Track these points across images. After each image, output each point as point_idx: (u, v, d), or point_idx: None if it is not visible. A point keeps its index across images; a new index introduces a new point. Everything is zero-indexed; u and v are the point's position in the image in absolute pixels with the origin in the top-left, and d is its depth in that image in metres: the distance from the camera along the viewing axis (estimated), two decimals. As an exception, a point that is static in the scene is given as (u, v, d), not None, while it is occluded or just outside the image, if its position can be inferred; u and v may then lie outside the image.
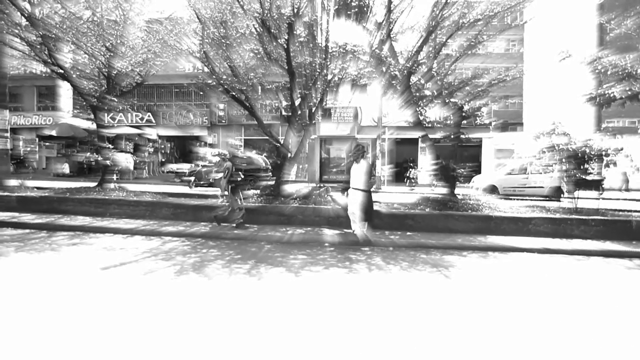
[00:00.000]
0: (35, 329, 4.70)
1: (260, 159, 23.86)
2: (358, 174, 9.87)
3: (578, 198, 13.16)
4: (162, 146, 31.48)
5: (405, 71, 12.71)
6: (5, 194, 14.22)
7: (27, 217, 12.11)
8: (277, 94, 14.99)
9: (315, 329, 4.88)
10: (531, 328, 5.06)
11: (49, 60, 14.86)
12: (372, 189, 10.20)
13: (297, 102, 13.73)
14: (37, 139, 31.64)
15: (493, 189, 20.23)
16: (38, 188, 16.13)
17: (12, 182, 16.17)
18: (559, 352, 4.43)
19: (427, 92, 13.20)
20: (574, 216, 11.23)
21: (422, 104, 13.04)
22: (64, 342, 4.37)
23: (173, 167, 28.06)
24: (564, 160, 12.60)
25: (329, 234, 10.66)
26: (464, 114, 13.28)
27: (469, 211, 11.84)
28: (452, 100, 12.99)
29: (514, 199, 17.33)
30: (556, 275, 7.71)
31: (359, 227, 9.94)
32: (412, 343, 4.55)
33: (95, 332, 4.63)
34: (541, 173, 18.30)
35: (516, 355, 4.34)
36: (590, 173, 12.61)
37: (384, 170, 28.83)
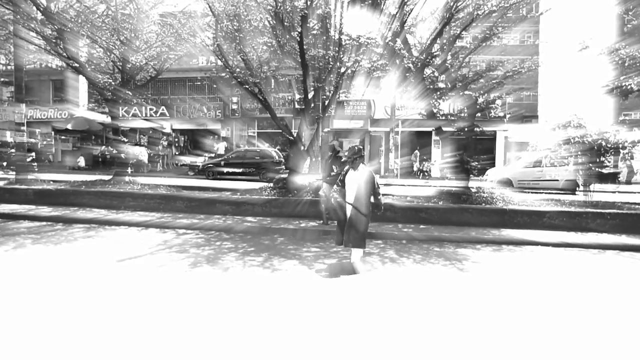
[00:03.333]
0: (53, 319, 4.78)
1: (272, 152, 23.94)
2: (356, 186, 7.02)
3: (594, 191, 13.02)
4: (176, 139, 31.65)
5: (419, 63, 12.63)
6: (22, 186, 14.42)
7: (44, 210, 12.27)
8: (290, 87, 14.99)
9: (327, 321, 4.90)
10: (544, 322, 5.04)
11: (64, 54, 14.98)
12: (380, 205, 7.30)
13: (310, 95, 13.72)
14: (52, 133, 32.00)
15: (507, 182, 20.06)
16: (54, 181, 16.32)
17: (29, 175, 16.37)
18: (571, 347, 4.41)
19: (441, 85, 13.10)
20: (589, 209, 11.11)
21: (436, 97, 12.95)
22: (82, 332, 4.45)
23: (186, 160, 28.21)
24: (579, 153, 12.47)
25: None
26: (478, 106, 13.18)
27: (483, 204, 11.78)
28: (466, 92, 12.89)
29: (529, 192, 17.18)
30: (570, 269, 7.66)
31: (355, 255, 7.15)
32: (424, 336, 4.56)
33: (112, 323, 4.70)
34: (556, 166, 18.11)
35: (528, 349, 4.33)
36: (607, 166, 12.47)
37: (397, 163, 28.75)
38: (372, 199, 7.20)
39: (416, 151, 28.97)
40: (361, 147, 7.48)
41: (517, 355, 4.18)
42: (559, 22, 53.96)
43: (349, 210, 7.12)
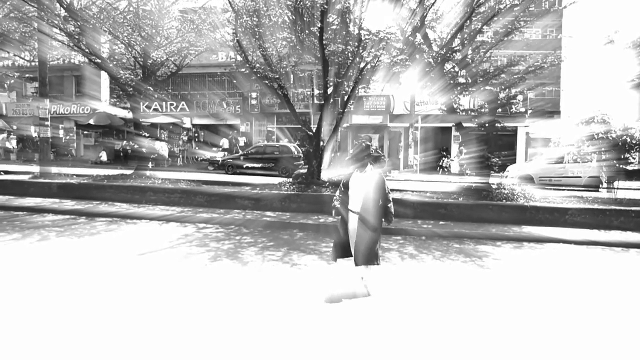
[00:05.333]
0: (77, 310, 4.87)
1: (292, 147, 23.99)
2: (363, 191, 5.68)
3: (618, 188, 12.80)
4: (196, 134, 31.91)
5: (440, 58, 12.53)
6: (46, 180, 14.68)
7: (67, 203, 12.48)
8: (310, 83, 14.98)
9: (346, 317, 4.91)
10: (567, 322, 4.99)
11: (87, 50, 15.19)
12: (389, 215, 5.82)
13: (329, 91, 13.71)
14: (75, 128, 32.48)
15: (528, 179, 19.81)
16: (77, 175, 16.58)
17: (53, 170, 16.65)
18: (592, 348, 4.36)
19: (462, 80, 12.98)
20: (612, 207, 10.93)
21: (456, 92, 12.83)
22: (107, 323, 4.53)
23: (206, 154, 28.44)
24: (603, 149, 12.26)
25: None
26: (499, 101, 13.03)
27: (504, 201, 11.67)
28: (487, 87, 12.74)
29: (550, 189, 16.96)
30: (593, 268, 7.56)
31: (367, 273, 5.92)
32: (444, 334, 4.55)
33: (135, 314, 4.78)
34: (579, 162, 17.82)
35: (551, 349, 4.29)
36: (631, 163, 12.23)
37: (417, 159, 28.58)
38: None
39: (462, 147, 28.33)
40: (369, 143, 5.95)
41: (540, 354, 4.14)
42: (583, 16, 53.00)
43: (353, 221, 5.77)
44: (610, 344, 4.38)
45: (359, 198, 5.69)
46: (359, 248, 5.69)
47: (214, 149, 29.08)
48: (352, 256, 5.82)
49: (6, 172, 18.62)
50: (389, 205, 5.79)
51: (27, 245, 7.91)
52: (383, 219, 5.81)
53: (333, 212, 6.08)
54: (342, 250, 5.90)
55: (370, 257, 5.69)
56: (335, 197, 6.06)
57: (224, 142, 30.05)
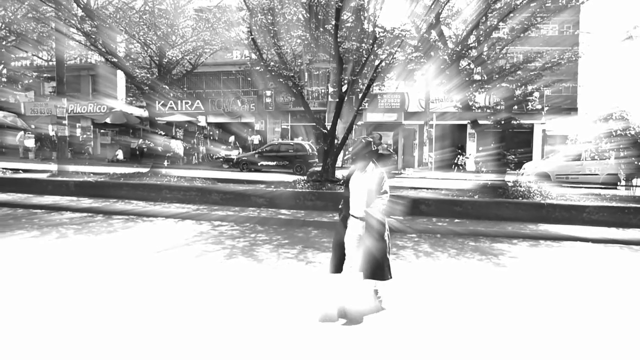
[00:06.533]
0: (98, 306, 4.94)
1: (306, 145, 24.01)
2: (365, 192, 5.05)
3: (636, 186, 12.62)
4: (211, 133, 32.07)
5: (455, 55, 12.45)
6: (64, 179, 14.87)
7: (85, 202, 12.64)
8: (324, 80, 14.99)
9: (360, 322, 4.91)
10: (586, 323, 4.95)
11: (103, 49, 15.35)
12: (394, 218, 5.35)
13: (344, 88, 13.69)
14: (92, 126, 32.80)
15: (545, 176, 19.60)
16: (93, 173, 16.77)
17: (70, 168, 16.85)
18: (611, 350, 4.33)
19: (478, 77, 12.89)
20: (631, 204, 10.77)
21: (472, 89, 12.74)
22: (126, 318, 4.59)
23: (221, 153, 28.60)
24: (621, 146, 12.09)
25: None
26: (515, 98, 12.91)
27: (520, 198, 11.56)
28: (503, 84, 12.64)
29: (567, 187, 16.77)
30: (611, 266, 7.47)
31: (376, 286, 5.27)
32: (459, 332, 4.54)
33: (154, 308, 4.83)
34: (596, 159, 17.59)
35: (571, 349, 4.26)
36: (651, 160, 12.06)
37: (432, 156, 28.43)
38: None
39: (493, 144, 27.81)
40: (370, 139, 5.28)
41: (555, 354, 4.12)
42: (601, 11, 52.25)
43: (354, 227, 5.14)
44: (627, 345, 4.34)
45: (361, 201, 5.04)
46: (366, 259, 4.99)
47: (223, 147, 29.32)
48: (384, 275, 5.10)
49: (25, 171, 18.91)
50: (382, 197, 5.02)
51: (46, 243, 8.04)
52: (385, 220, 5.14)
53: (339, 215, 5.40)
54: (340, 262, 5.21)
55: (380, 271, 5.04)
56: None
57: (232, 139, 30.47)
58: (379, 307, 5.05)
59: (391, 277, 5.13)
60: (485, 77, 12.72)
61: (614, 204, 10.94)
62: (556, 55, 12.94)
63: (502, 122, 12.88)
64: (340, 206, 5.42)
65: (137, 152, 27.71)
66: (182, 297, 5.29)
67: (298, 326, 4.51)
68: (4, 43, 20.34)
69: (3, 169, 17.96)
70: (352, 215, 5.15)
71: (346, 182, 5.31)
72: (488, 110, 13.54)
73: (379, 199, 4.96)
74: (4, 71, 25.51)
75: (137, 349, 3.93)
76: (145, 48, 16.92)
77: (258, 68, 14.59)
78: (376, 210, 4.92)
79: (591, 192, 13.77)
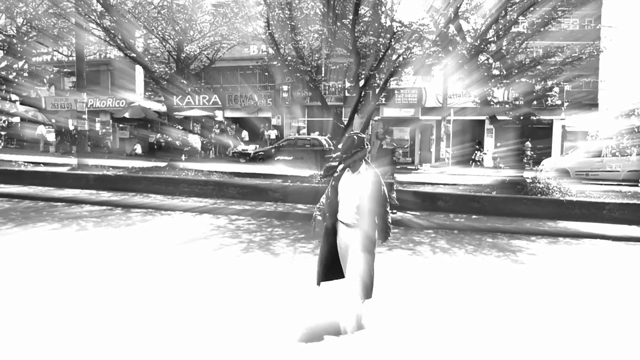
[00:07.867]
0: (117, 298, 5.01)
1: (323, 140, 23.99)
2: (357, 197, 4.39)
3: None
4: (228, 127, 32.21)
5: (474, 50, 12.33)
6: (84, 172, 15.06)
7: (104, 195, 12.79)
8: (342, 75, 14.98)
9: (376, 309, 4.90)
10: (607, 322, 4.89)
11: (122, 44, 15.49)
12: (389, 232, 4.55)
13: (361, 83, 13.66)
14: (111, 121, 33.15)
15: (564, 173, 19.37)
16: (112, 167, 16.96)
17: (90, 162, 17.06)
18: (627, 346, 4.28)
19: (497, 72, 12.75)
20: (653, 202, 10.60)
21: (490, 84, 12.61)
22: (146, 309, 4.65)
23: (238, 147, 28.72)
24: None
25: (393, 215, 10.60)
26: (534, 94, 12.75)
27: (538, 195, 11.43)
28: (522, 79, 12.48)
29: (587, 183, 16.55)
30: (632, 265, 7.37)
31: (360, 308, 4.63)
32: (476, 330, 4.52)
33: (174, 300, 4.89)
34: (617, 156, 17.33)
35: (592, 349, 4.22)
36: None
37: (449, 152, 28.25)
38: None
39: (527, 143, 26.80)
40: (363, 136, 4.54)
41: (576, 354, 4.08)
42: (623, 5, 51.31)
43: (344, 235, 4.52)
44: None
45: (351, 206, 4.41)
46: (359, 275, 4.42)
47: (237, 141, 29.59)
48: (341, 277, 4.65)
49: (45, 164, 19.18)
50: (387, 218, 4.50)
51: (66, 235, 8.15)
52: (376, 235, 4.51)
53: (313, 224, 4.72)
54: (328, 271, 4.66)
55: (369, 291, 4.49)
56: (318, 206, 4.79)
57: (245, 135, 30.88)
58: (360, 325, 4.43)
59: (371, 297, 4.54)
60: (505, 72, 12.57)
61: (635, 201, 10.77)
62: (577, 50, 12.75)
63: (522, 117, 12.73)
64: (318, 206, 4.77)
65: (155, 146, 27.94)
66: (199, 290, 5.33)
67: (312, 322, 4.53)
68: (25, 39, 20.65)
69: (24, 162, 18.24)
70: (340, 221, 4.54)
71: (335, 185, 4.60)
72: (507, 106, 13.41)
73: (376, 206, 4.37)
74: (26, 66, 25.88)
75: (155, 338, 3.98)
76: (164, 43, 17.05)
77: (275, 63, 14.63)
78: (369, 226, 4.39)
79: (612, 189, 13.57)
